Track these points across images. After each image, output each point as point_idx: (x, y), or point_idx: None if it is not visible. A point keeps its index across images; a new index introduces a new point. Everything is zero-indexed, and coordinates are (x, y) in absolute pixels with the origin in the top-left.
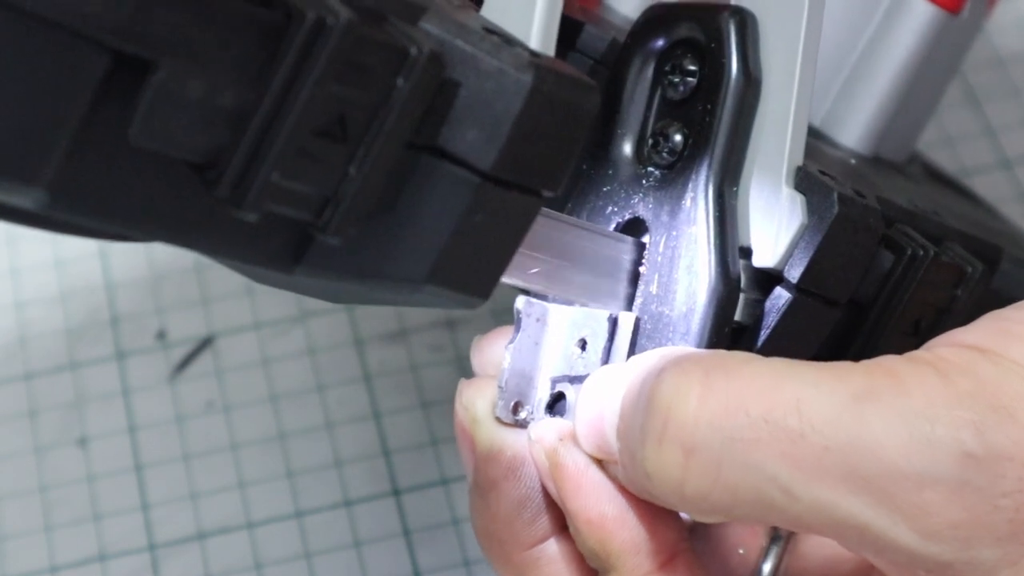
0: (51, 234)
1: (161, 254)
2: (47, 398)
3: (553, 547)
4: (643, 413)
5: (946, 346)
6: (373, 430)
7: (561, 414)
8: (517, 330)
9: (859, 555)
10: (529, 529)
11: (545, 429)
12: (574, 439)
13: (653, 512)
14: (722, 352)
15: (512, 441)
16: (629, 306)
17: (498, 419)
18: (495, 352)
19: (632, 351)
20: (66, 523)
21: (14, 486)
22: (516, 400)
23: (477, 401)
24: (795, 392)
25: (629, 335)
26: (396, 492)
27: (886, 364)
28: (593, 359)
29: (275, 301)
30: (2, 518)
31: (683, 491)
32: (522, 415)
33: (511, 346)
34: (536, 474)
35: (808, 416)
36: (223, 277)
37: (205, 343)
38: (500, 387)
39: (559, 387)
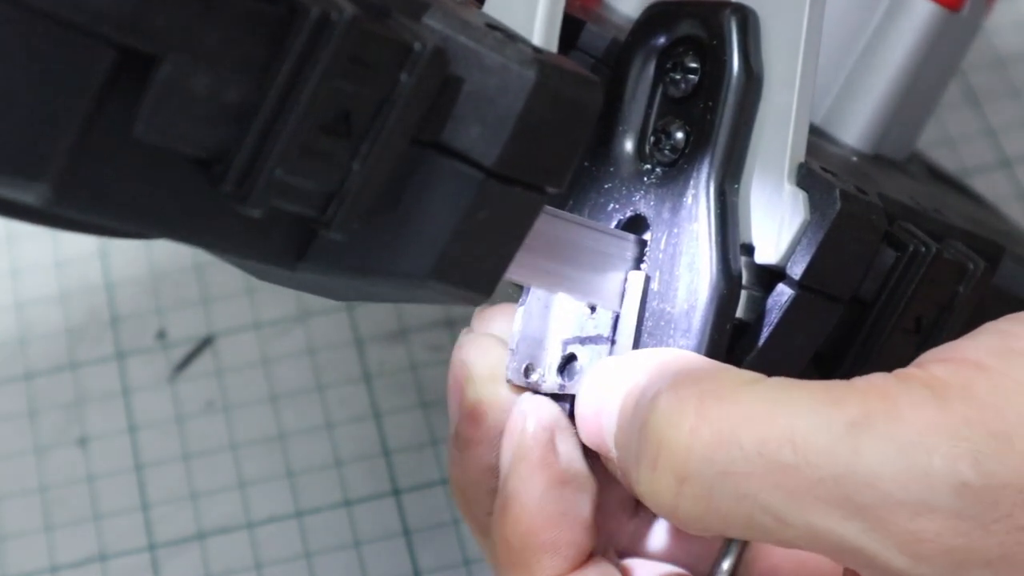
0: (51, 234)
1: (161, 254)
2: (47, 398)
3: None
4: (637, 435)
5: (944, 362)
6: (373, 430)
7: (572, 376)
8: (526, 293)
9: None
10: (494, 495)
11: (533, 414)
12: (556, 437)
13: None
14: (718, 373)
15: (498, 409)
16: None
17: (509, 382)
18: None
19: (642, 311)
20: (66, 523)
21: (14, 486)
22: (527, 362)
23: (477, 359)
24: (789, 423)
25: (639, 295)
26: (396, 492)
27: (881, 386)
28: (603, 320)
29: (275, 301)
30: (2, 518)
31: (676, 513)
32: (533, 377)
33: (521, 309)
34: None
35: (803, 448)
36: (223, 277)
37: (205, 343)
38: (511, 350)
39: (570, 348)
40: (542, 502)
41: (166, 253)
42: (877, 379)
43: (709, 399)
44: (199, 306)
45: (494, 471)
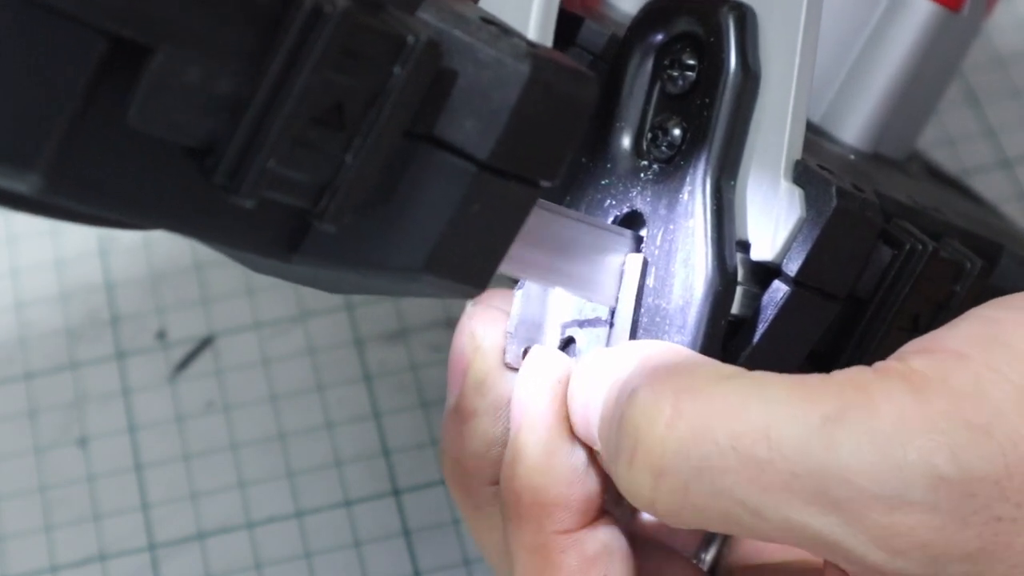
0: (51, 234)
1: (161, 254)
2: (47, 398)
3: None
4: (616, 430)
5: (924, 352)
6: (373, 430)
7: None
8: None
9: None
10: (495, 467)
11: (540, 374)
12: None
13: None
14: (696, 367)
15: (504, 381)
16: None
17: (508, 365)
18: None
19: (640, 293)
20: (66, 523)
21: (14, 486)
22: (526, 346)
23: (487, 330)
24: (764, 417)
25: (637, 277)
26: (396, 492)
27: (858, 380)
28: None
29: (275, 301)
30: (2, 518)
31: (654, 507)
32: None
33: (519, 292)
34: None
35: (777, 443)
36: (223, 277)
37: (205, 343)
38: (509, 333)
39: (568, 332)
40: (555, 457)
41: (166, 253)
42: (855, 372)
43: (685, 394)
44: (199, 306)
45: (497, 442)
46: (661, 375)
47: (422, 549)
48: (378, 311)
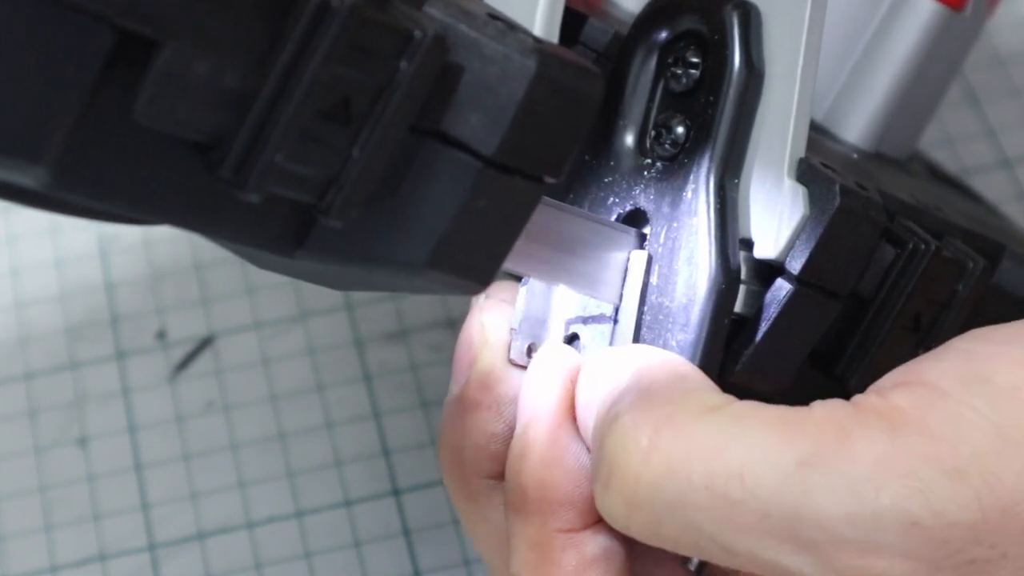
0: (51, 234)
1: (161, 254)
2: (47, 398)
3: None
4: (595, 452)
5: (905, 386)
6: (373, 430)
7: None
8: None
9: None
10: (492, 461)
11: (552, 370)
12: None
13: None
14: (682, 398)
15: (509, 377)
16: None
17: (512, 361)
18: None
19: (644, 290)
20: (66, 523)
21: (14, 486)
22: (530, 342)
23: (497, 324)
24: (739, 458)
25: (641, 274)
26: (396, 492)
27: (836, 418)
28: None
29: (275, 301)
30: (2, 518)
31: (628, 531)
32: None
33: (524, 288)
34: (515, 414)
35: (751, 485)
36: (223, 277)
37: (205, 343)
38: (514, 329)
39: (573, 328)
40: (563, 454)
41: (166, 253)
42: (834, 408)
43: (664, 428)
44: (199, 306)
45: (497, 437)
46: (646, 401)
47: (422, 549)
48: (378, 311)
